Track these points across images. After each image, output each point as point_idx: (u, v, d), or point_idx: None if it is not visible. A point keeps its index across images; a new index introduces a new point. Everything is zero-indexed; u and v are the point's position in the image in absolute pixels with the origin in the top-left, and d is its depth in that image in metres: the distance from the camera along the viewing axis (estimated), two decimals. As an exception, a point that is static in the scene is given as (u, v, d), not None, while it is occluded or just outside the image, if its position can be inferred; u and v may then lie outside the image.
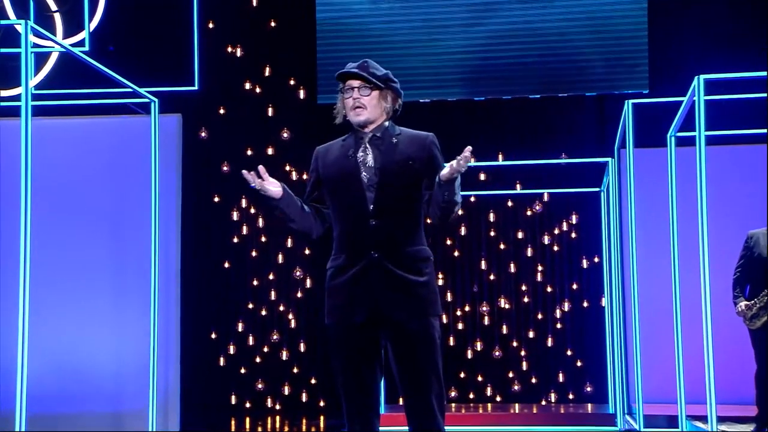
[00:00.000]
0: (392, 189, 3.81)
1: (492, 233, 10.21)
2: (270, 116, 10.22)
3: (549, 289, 10.16)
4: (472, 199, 10.14)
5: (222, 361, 10.12)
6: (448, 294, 10.12)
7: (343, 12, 9.78)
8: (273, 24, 10.29)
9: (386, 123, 3.93)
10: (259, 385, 10.12)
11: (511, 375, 10.08)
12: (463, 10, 9.67)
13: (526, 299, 10.16)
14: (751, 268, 6.97)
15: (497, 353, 10.08)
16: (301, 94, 10.21)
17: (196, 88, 9.30)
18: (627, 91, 9.32)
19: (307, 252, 10.20)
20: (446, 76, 9.71)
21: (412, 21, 9.72)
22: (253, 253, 10.24)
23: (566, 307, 10.09)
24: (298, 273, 10.19)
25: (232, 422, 9.56)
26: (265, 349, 10.18)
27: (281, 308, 10.23)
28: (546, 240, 10.13)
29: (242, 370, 10.14)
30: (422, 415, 3.80)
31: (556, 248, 10.16)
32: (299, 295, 10.23)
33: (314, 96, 9.90)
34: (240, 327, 10.16)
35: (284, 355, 10.15)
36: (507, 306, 10.16)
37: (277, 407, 10.12)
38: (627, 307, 8.08)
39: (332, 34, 9.75)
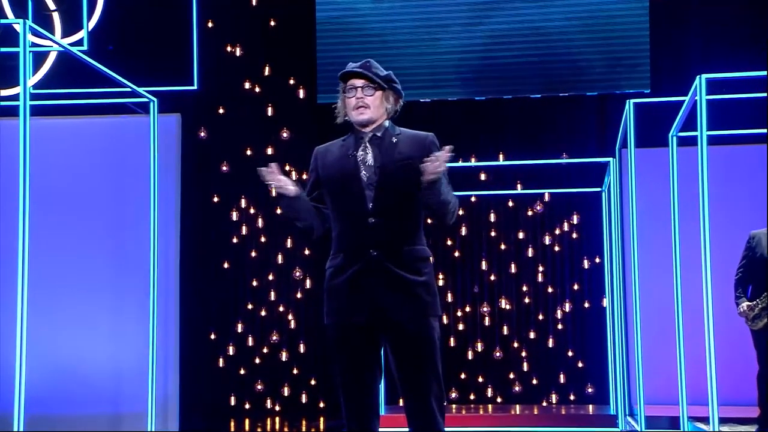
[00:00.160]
0: (392, 188, 3.81)
1: (493, 233, 10.18)
2: (269, 116, 10.19)
3: (550, 290, 10.13)
4: (473, 199, 10.11)
5: (221, 362, 10.09)
6: (449, 294, 10.09)
7: (344, 11, 9.75)
8: (272, 23, 10.26)
9: (386, 123, 3.94)
10: (259, 386, 10.09)
11: (511, 376, 10.05)
12: (463, 9, 9.64)
13: (526, 300, 10.13)
14: (753, 268, 6.96)
15: (498, 354, 10.05)
16: (301, 93, 10.18)
17: (195, 87, 9.27)
18: (628, 91, 9.29)
19: (306, 252, 10.17)
20: (447, 75, 9.68)
21: (412, 20, 9.69)
22: (253, 254, 10.21)
23: (567, 307, 10.06)
24: (297, 273, 10.16)
25: (232, 423, 9.54)
26: (265, 350, 10.15)
27: (281, 309, 10.20)
28: (547, 240, 10.10)
29: (242, 371, 10.11)
30: (422, 416, 3.79)
31: (557, 248, 10.13)
32: (299, 295, 10.19)
33: (314, 95, 9.87)
34: (239, 328, 10.13)
35: (284, 356, 10.12)
36: (508, 307, 10.13)
37: (277, 408, 10.09)
38: (628, 308, 8.06)
39: (332, 34, 9.72)
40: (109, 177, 7.96)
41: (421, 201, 3.79)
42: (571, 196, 9.97)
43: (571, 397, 9.95)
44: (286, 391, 10.10)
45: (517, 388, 9.99)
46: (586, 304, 10.03)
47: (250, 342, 10.13)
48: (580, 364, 9.97)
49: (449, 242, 10.19)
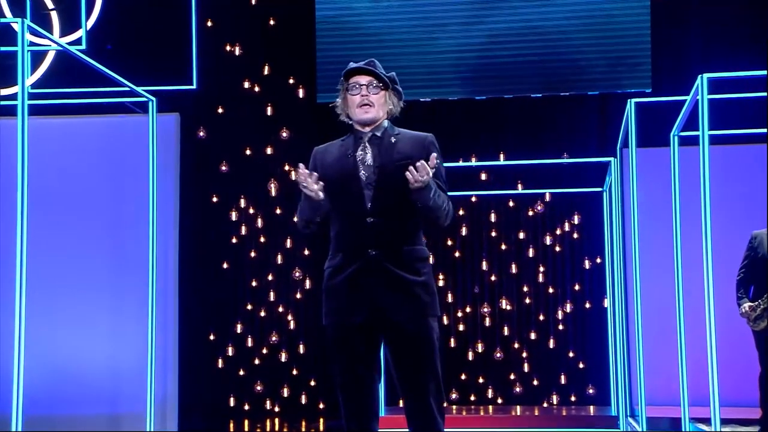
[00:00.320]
0: (391, 188, 3.80)
1: (493, 234, 10.15)
2: (269, 115, 10.16)
3: (551, 290, 10.10)
4: (473, 199, 10.08)
5: (220, 363, 10.06)
6: (449, 295, 10.05)
7: (343, 10, 9.72)
8: (272, 22, 10.23)
9: (385, 123, 3.94)
10: (258, 387, 10.06)
11: (512, 377, 10.01)
12: (463, 8, 9.61)
13: (527, 300, 10.10)
14: (756, 268, 6.94)
15: (498, 355, 10.01)
16: (301, 93, 10.15)
17: (194, 87, 9.25)
18: (629, 90, 9.26)
19: (306, 253, 10.14)
20: (447, 74, 9.66)
21: (412, 19, 9.66)
22: (252, 254, 10.18)
23: (568, 308, 10.03)
24: (297, 274, 10.12)
25: (231, 424, 9.51)
26: (264, 351, 10.12)
27: (280, 309, 10.17)
28: (548, 240, 10.07)
29: (241, 372, 10.08)
30: (421, 416, 3.79)
31: (557, 249, 10.10)
32: (298, 296, 10.16)
33: (314, 95, 9.84)
34: (238, 328, 10.10)
35: (283, 357, 10.09)
36: (508, 307, 10.09)
37: (276, 409, 10.06)
38: (629, 308, 8.03)
39: (332, 33, 9.69)
40: (108, 177, 7.95)
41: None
42: (572, 196, 9.95)
43: (572, 398, 9.92)
44: (285, 392, 10.07)
45: (517, 389, 9.96)
46: (587, 305, 10.00)
47: (250, 342, 10.10)
48: (581, 365, 9.94)
49: (449, 242, 10.16)
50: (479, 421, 8.86)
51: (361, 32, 9.67)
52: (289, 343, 10.13)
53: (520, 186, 9.99)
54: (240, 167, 10.11)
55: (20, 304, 5.32)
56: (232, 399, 10.05)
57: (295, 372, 10.09)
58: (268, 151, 10.15)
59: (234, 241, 10.18)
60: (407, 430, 3.85)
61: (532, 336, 10.04)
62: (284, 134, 10.13)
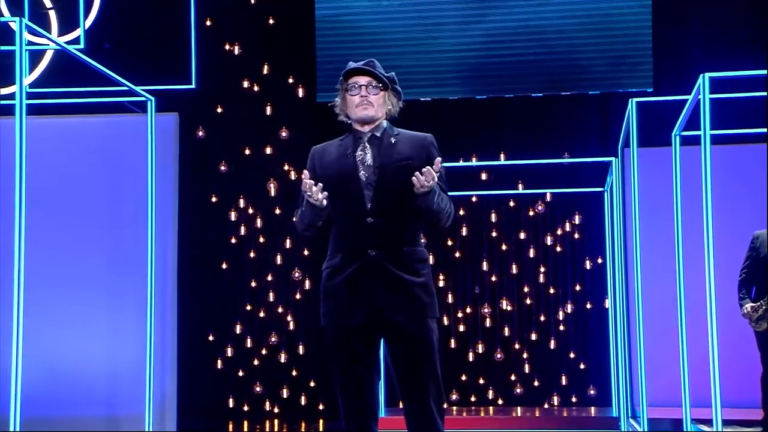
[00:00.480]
0: (390, 188, 3.79)
1: (494, 234, 10.13)
2: (268, 115, 10.13)
3: (552, 291, 10.07)
4: (474, 199, 10.06)
5: (219, 364, 10.03)
6: (450, 295, 10.03)
7: (343, 9, 9.69)
8: (271, 21, 10.20)
9: (384, 123, 3.92)
10: (257, 388, 10.03)
11: (513, 378, 9.99)
12: (464, 6, 9.59)
13: (528, 301, 10.07)
14: (757, 269, 6.91)
15: (499, 356, 9.99)
16: (300, 92, 10.12)
17: (193, 86, 9.25)
18: (631, 90, 9.23)
19: (306, 253, 10.12)
20: (447, 74, 9.63)
21: (412, 18, 9.63)
22: (252, 254, 10.15)
23: (569, 308, 10.00)
24: (297, 274, 10.09)
25: (230, 426, 9.48)
26: (264, 352, 10.09)
27: (280, 310, 10.14)
28: (548, 241, 10.05)
29: (240, 373, 10.05)
30: (421, 417, 3.78)
31: (558, 249, 10.08)
32: (298, 296, 10.14)
33: (313, 94, 9.82)
34: (238, 329, 10.07)
35: (283, 358, 10.06)
36: (509, 308, 10.07)
37: (276, 410, 10.03)
38: (631, 309, 8.01)
39: (331, 32, 9.66)
40: (107, 177, 7.92)
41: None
42: (573, 196, 9.92)
43: (573, 399, 9.90)
44: (284, 393, 10.05)
45: (518, 390, 9.93)
46: (588, 305, 9.98)
47: (249, 343, 10.07)
48: (582, 366, 9.91)
49: (450, 242, 10.14)
50: (480, 422, 8.84)
51: (361, 32, 9.64)
52: (289, 343, 10.10)
53: (520, 186, 9.97)
54: (239, 167, 10.09)
55: (18, 304, 5.31)
56: (231, 400, 10.03)
57: (294, 373, 10.07)
58: (268, 150, 10.12)
59: (233, 241, 10.15)
60: (407, 431, 3.83)
61: (533, 337, 10.02)
62: (284, 134, 10.11)
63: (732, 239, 7.22)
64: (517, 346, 10.04)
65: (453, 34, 9.60)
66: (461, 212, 9.93)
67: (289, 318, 10.13)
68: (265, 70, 10.17)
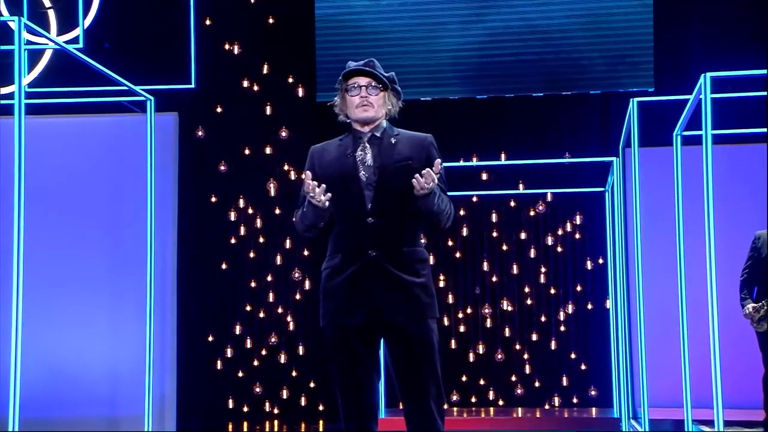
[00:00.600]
0: (390, 188, 3.79)
1: (494, 234, 10.11)
2: (268, 115, 10.12)
3: (552, 291, 10.05)
4: (474, 199, 10.04)
5: (219, 365, 10.02)
6: (450, 296, 10.01)
7: (343, 9, 9.67)
8: (271, 21, 10.19)
9: (384, 123, 3.92)
10: (257, 389, 10.01)
11: (513, 378, 9.97)
12: (464, 6, 9.57)
13: (529, 301, 10.05)
14: (759, 269, 6.90)
15: (500, 356, 9.97)
16: (300, 92, 10.10)
17: (193, 86, 9.24)
18: (632, 89, 9.21)
19: (306, 253, 10.10)
20: (448, 74, 9.61)
21: (412, 18, 9.61)
22: (251, 255, 10.13)
23: (570, 309, 9.98)
24: (296, 274, 10.08)
25: (230, 427, 9.46)
26: (263, 352, 10.07)
27: (279, 310, 10.12)
28: (549, 241, 10.03)
29: (240, 374, 10.03)
30: (421, 418, 3.77)
31: (559, 249, 10.06)
32: (298, 297, 10.12)
33: (313, 94, 9.80)
34: (237, 329, 10.05)
35: (282, 358, 10.04)
36: (510, 308, 10.05)
37: (276, 411, 10.02)
38: (632, 309, 7.99)
39: (331, 32, 9.64)
40: (106, 176, 7.91)
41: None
42: (573, 196, 9.90)
43: (574, 400, 9.88)
44: (284, 394, 10.03)
45: (519, 391, 9.91)
46: (590, 306, 9.96)
47: (249, 344, 10.05)
48: (583, 367, 9.89)
49: (450, 243, 10.12)
50: (480, 423, 8.82)
51: (361, 31, 9.62)
52: (289, 344, 10.09)
53: (521, 186, 9.95)
54: (239, 167, 10.07)
55: (17, 304, 5.30)
56: (230, 400, 10.01)
57: (294, 373, 10.05)
58: (267, 150, 10.11)
59: (233, 241, 10.13)
60: (406, 432, 3.83)
61: (534, 337, 10.00)
62: (283, 134, 10.09)
63: (733, 239, 7.21)
64: (517, 347, 10.02)
65: (453, 34, 9.58)
66: (462, 212, 9.91)
67: (288, 318, 10.11)
68: (265, 70, 10.15)
